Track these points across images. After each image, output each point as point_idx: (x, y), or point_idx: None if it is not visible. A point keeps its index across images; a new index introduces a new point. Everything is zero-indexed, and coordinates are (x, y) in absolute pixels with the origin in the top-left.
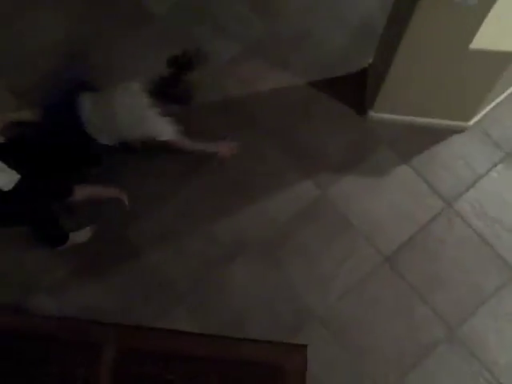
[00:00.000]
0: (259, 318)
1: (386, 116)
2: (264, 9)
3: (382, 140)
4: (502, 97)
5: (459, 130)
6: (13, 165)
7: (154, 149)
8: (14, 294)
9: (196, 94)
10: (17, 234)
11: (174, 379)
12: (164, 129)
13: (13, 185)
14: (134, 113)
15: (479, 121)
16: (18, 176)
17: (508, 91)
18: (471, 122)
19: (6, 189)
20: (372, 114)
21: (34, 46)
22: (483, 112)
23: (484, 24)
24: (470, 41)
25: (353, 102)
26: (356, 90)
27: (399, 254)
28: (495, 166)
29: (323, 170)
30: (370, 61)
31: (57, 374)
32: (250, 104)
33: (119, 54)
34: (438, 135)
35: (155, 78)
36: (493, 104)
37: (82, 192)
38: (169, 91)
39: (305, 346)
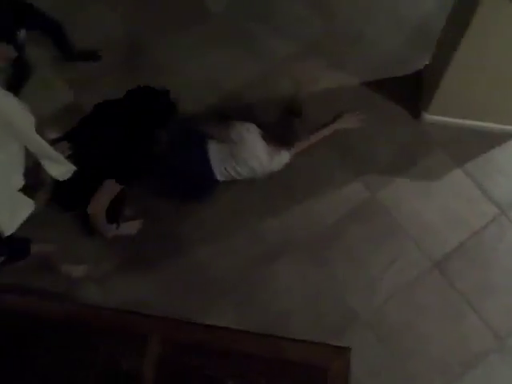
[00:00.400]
0: (303, 317)
1: (441, 119)
2: (322, 8)
3: (435, 143)
4: None
5: None
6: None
7: None
8: (62, 283)
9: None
10: (68, 224)
11: (217, 375)
12: (281, 162)
13: (69, 175)
14: (255, 168)
15: None
16: (74, 168)
17: None
18: None
19: (61, 179)
20: (426, 116)
21: (92, 42)
22: None
23: None
24: None
25: (407, 104)
26: (411, 91)
27: (449, 259)
28: None
29: (374, 172)
30: (427, 62)
31: (101, 364)
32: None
33: (177, 52)
34: (494, 139)
35: (267, 123)
36: None
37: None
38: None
39: (348, 349)
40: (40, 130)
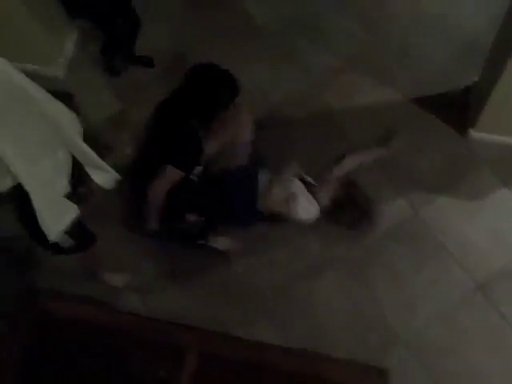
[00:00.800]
0: (341, 335)
1: (489, 136)
2: (368, 21)
3: (482, 161)
4: None
5: None
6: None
7: None
8: (105, 290)
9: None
10: (114, 230)
11: None
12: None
13: (114, 183)
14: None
15: None
16: (119, 176)
17: None
18: None
19: (107, 187)
20: (474, 133)
21: (140, 52)
22: None
23: None
24: None
25: (454, 121)
26: (458, 107)
27: (494, 282)
28: None
29: (418, 189)
30: (476, 79)
31: (138, 373)
32: (344, 117)
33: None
34: None
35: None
36: None
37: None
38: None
39: (387, 370)
40: None
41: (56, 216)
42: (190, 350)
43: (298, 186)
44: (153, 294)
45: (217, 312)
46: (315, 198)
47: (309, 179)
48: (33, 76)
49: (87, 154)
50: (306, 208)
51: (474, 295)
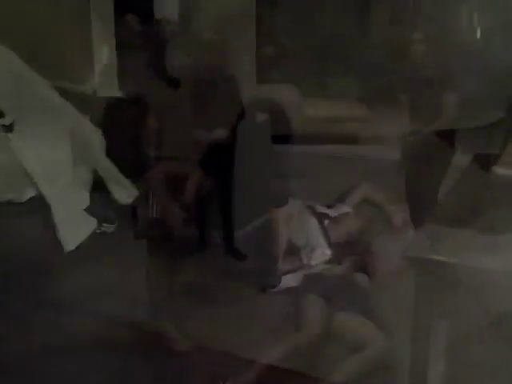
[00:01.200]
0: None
1: None
2: (397, 52)
3: (505, 198)
4: None
5: None
6: None
7: None
8: (124, 306)
9: None
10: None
11: None
12: None
13: (131, 200)
14: None
15: None
16: (137, 193)
17: None
18: None
19: (124, 202)
20: (497, 169)
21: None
22: None
23: None
24: None
25: (478, 155)
26: (483, 142)
27: (510, 318)
28: None
29: (437, 223)
30: (502, 115)
31: None
32: (366, 147)
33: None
34: None
35: None
36: None
37: None
38: None
39: None
40: None
41: (74, 228)
42: (217, 376)
43: (315, 233)
44: (183, 318)
45: (245, 338)
46: (329, 232)
47: (326, 211)
48: (67, 93)
49: (109, 169)
50: (319, 257)
51: (489, 330)
